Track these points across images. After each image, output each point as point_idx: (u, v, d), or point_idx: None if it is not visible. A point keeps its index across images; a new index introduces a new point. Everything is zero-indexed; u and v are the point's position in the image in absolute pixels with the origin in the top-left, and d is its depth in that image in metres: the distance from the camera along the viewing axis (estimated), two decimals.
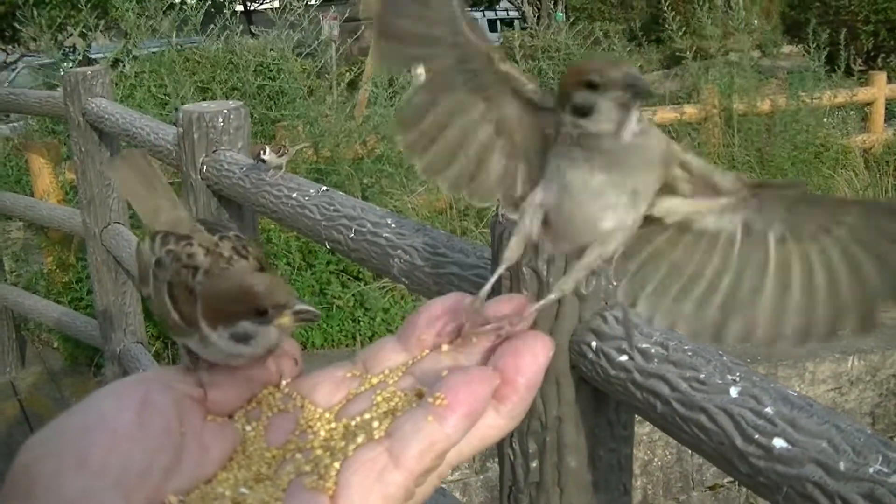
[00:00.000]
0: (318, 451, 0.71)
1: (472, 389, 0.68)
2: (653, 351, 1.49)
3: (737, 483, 6.23)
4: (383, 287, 6.74)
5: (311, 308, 0.76)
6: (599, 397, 1.68)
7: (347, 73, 8.30)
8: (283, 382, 0.79)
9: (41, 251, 7.44)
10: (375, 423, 0.70)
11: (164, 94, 7.54)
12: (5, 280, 6.77)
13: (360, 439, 0.68)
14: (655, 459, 5.83)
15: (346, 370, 0.79)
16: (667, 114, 9.20)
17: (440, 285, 1.93)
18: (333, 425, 0.73)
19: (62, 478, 0.62)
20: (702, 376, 1.41)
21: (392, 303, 6.67)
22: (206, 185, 3.14)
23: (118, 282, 4.95)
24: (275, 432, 0.75)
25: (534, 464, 1.75)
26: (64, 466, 0.63)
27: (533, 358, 0.71)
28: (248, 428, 0.75)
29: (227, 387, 0.76)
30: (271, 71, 8.30)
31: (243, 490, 0.69)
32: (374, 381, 0.76)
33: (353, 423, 0.72)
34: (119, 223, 4.88)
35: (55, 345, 7.09)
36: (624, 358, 1.51)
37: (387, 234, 2.16)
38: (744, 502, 6.29)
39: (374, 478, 0.64)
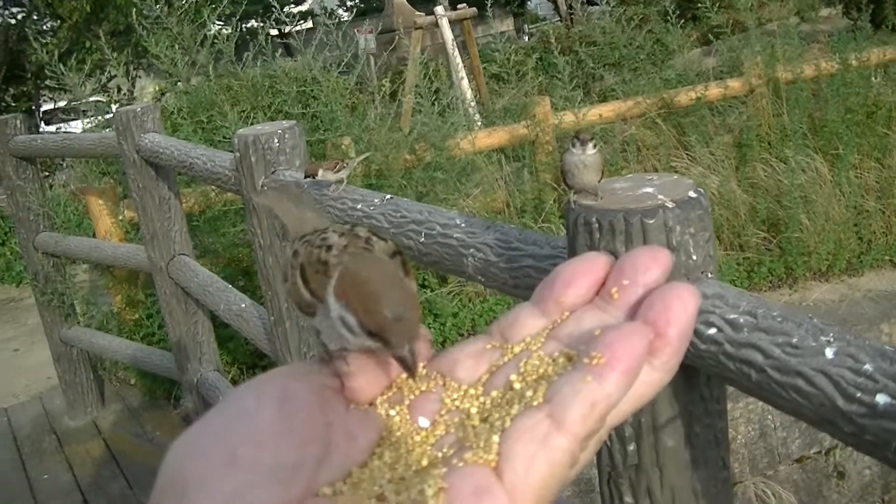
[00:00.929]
0: (472, 427, 0.69)
1: (629, 345, 0.65)
2: (741, 321, 1.48)
3: (823, 453, 6.17)
4: (450, 292, 6.75)
5: (410, 366, 0.73)
6: (690, 373, 1.67)
7: (388, 85, 8.32)
8: (420, 365, 0.77)
9: (108, 291, 7.54)
10: (529, 392, 0.67)
11: (211, 126, 7.62)
12: (78, 323, 6.87)
13: (515, 409, 0.67)
14: (739, 437, 5.78)
15: (483, 342, 0.77)
16: (712, 90, 9.12)
17: (517, 279, 1.94)
18: (483, 399, 0.71)
19: (214, 477, 0.61)
20: (794, 340, 1.40)
21: (460, 307, 6.68)
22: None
23: (188, 312, 4.99)
24: (420, 414, 0.73)
25: (631, 447, 1.75)
26: (214, 465, 0.62)
27: (683, 307, 0.69)
28: (391, 413, 0.73)
29: (364, 374, 0.75)
30: (312, 91, 8.36)
31: (398, 474, 0.67)
32: (517, 349, 0.74)
33: (505, 394, 0.70)
34: (184, 254, 4.92)
35: (132, 381, 7.18)
36: (713, 331, 1.50)
37: (457, 235, 2.16)
38: (832, 472, 6.22)
39: (538, 445, 0.63)
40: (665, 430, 1.72)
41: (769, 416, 5.85)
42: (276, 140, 3.21)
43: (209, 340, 5.13)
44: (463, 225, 2.17)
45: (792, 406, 1.40)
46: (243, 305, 4.07)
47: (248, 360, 6.45)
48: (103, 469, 6.04)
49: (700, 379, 1.71)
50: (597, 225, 1.62)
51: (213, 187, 6.05)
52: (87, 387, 6.82)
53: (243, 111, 8.00)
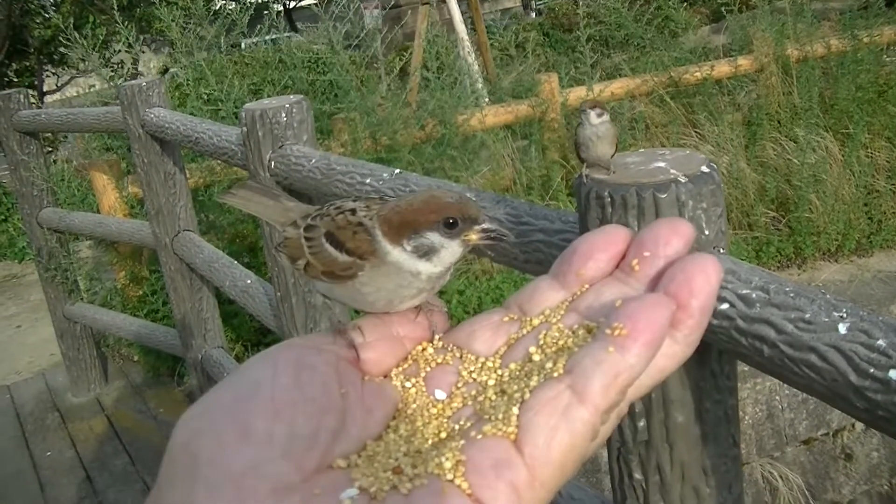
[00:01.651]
0: (490, 399, 0.69)
1: (652, 315, 0.65)
2: (754, 296, 1.48)
3: (831, 434, 6.17)
4: (456, 269, 6.75)
5: (499, 228, 0.76)
6: (701, 349, 1.66)
7: (397, 61, 8.30)
8: (436, 337, 0.77)
9: (112, 267, 7.55)
10: (549, 364, 0.67)
11: (218, 100, 7.61)
12: (81, 299, 6.88)
13: (534, 381, 0.66)
14: (746, 418, 5.79)
15: (501, 315, 0.76)
16: (722, 68, 9.10)
17: (527, 254, 1.94)
18: (501, 371, 0.71)
19: (226, 451, 0.60)
20: (807, 316, 1.40)
21: (467, 284, 6.68)
22: (276, 182, 3.17)
23: (193, 288, 5.01)
24: (437, 386, 0.73)
25: (641, 423, 1.75)
26: (226, 439, 0.61)
27: (705, 278, 0.68)
28: (407, 385, 0.73)
29: (379, 345, 0.75)
30: (320, 66, 8.34)
31: (414, 447, 0.67)
32: (536, 322, 0.74)
33: (523, 366, 0.70)
34: (189, 230, 4.93)
35: (136, 358, 7.21)
36: (725, 306, 1.50)
37: None
38: (839, 454, 6.23)
39: (559, 416, 0.62)
40: (675, 405, 1.72)
41: (777, 397, 5.86)
42: (283, 114, 3.21)
43: (214, 317, 5.15)
44: (473, 197, 2.17)
45: (804, 382, 1.40)
46: (248, 281, 4.08)
47: (253, 337, 6.46)
48: (106, 446, 6.07)
49: (711, 354, 1.71)
50: (609, 199, 1.62)
51: (219, 162, 6.04)
52: (90, 363, 6.85)
53: (252, 85, 7.99)
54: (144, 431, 6.15)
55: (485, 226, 0.76)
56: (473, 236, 0.76)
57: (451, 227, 0.76)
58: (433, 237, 0.76)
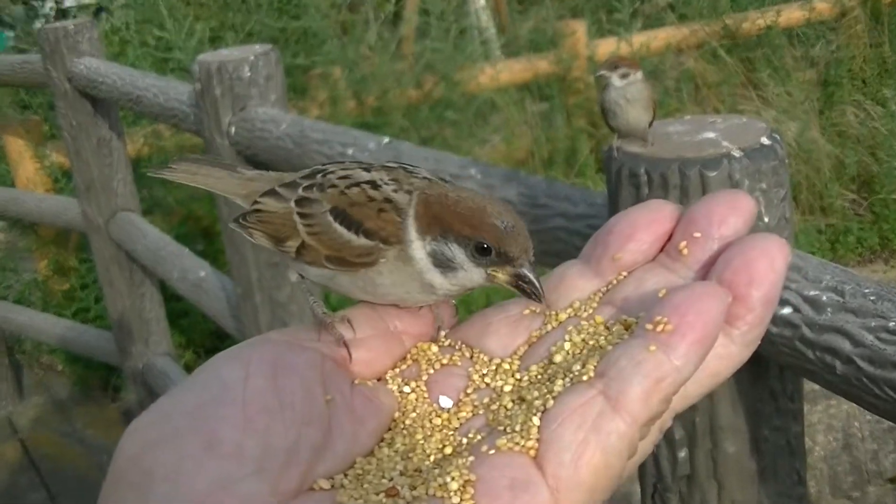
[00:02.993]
0: (506, 407, 0.69)
1: (703, 308, 0.64)
2: (824, 298, 1.49)
3: None
4: None
5: (537, 283, 0.75)
6: (758, 363, 1.68)
7: (387, 3, 8.29)
8: (442, 333, 0.78)
9: (32, 255, 7.51)
10: (577, 366, 0.67)
11: (166, 48, 7.59)
12: None
13: (558, 386, 0.66)
14: (817, 448, 5.77)
15: (521, 307, 0.77)
16: (791, 13, 9.03)
17: (545, 243, 1.95)
18: (519, 375, 0.71)
19: (188, 466, 0.60)
20: (892, 325, 1.40)
21: None
22: (237, 151, 3.18)
23: (134, 282, 5.00)
24: (441, 392, 0.73)
25: (682, 453, 1.76)
26: (188, 452, 0.60)
27: (769, 264, 0.67)
28: (406, 390, 0.74)
29: (373, 342, 0.75)
30: (292, 8, 8.32)
31: (412, 465, 0.67)
32: (563, 316, 0.75)
33: (546, 368, 0.70)
34: (128, 210, 4.92)
35: (60, 368, 7.18)
36: (788, 310, 1.51)
37: (472, 187, 2.17)
38: None
39: (590, 429, 0.61)
40: (725, 433, 1.73)
41: (856, 423, 5.84)
42: (246, 69, 3.21)
43: (159, 317, 5.15)
44: (479, 175, 2.18)
45: (888, 407, 1.40)
46: (202, 274, 4.08)
47: (207, 342, 6.45)
48: (19, 477, 6.05)
49: (770, 370, 1.72)
50: (645, 178, 1.63)
51: (167, 126, 6.04)
52: (0, 375, 6.83)
53: (211, 30, 7.95)
54: (69, 458, 6.13)
55: (520, 271, 0.76)
56: (501, 276, 0.77)
57: (481, 252, 0.76)
58: (457, 252, 0.77)
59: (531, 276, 0.76)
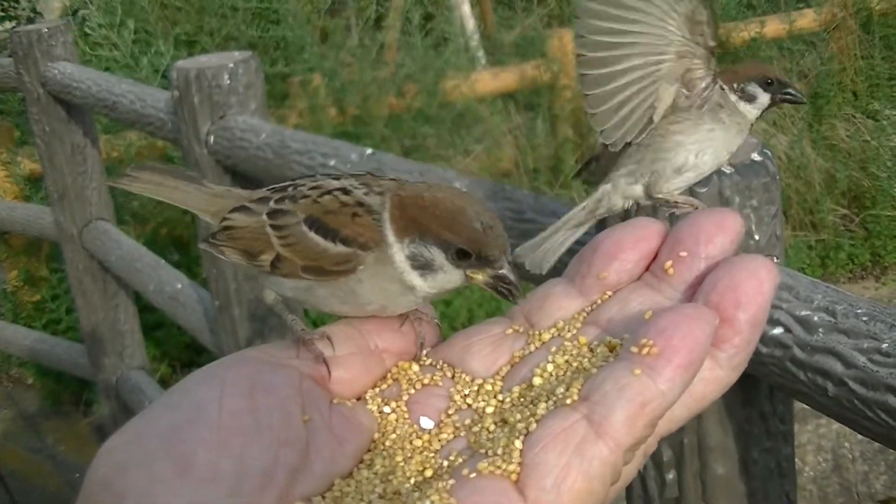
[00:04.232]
0: (488, 429, 0.69)
1: (689, 331, 0.64)
2: (815, 319, 1.49)
3: None
4: None
5: (514, 281, 0.78)
6: (748, 384, 1.68)
7: (369, 9, 8.28)
8: (423, 352, 0.79)
9: (1, 265, 7.49)
10: (561, 389, 0.68)
11: (140, 53, 7.56)
12: None
13: (541, 408, 0.67)
14: (806, 469, 5.78)
15: (503, 327, 0.78)
16: (775, 24, 8.89)
17: None
18: (502, 396, 0.72)
19: (161, 489, 0.60)
20: (885, 346, 1.40)
21: (455, 294, 6.68)
22: (216, 161, 3.18)
23: (107, 293, 4.99)
24: (422, 413, 0.74)
25: (670, 475, 1.76)
26: (161, 475, 0.61)
27: (756, 286, 0.68)
28: (386, 410, 0.74)
29: (353, 361, 0.76)
30: (270, 13, 8.30)
31: (392, 487, 0.68)
32: (546, 336, 0.75)
33: (529, 390, 0.71)
34: (103, 219, 4.91)
35: (29, 381, 7.15)
36: (779, 330, 1.52)
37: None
38: None
39: (572, 453, 0.62)
40: (714, 454, 1.73)
41: (846, 444, 5.86)
42: (225, 76, 3.21)
43: (133, 329, 5.14)
44: (464, 189, 2.18)
45: (880, 430, 1.40)
46: (179, 286, 4.08)
47: (183, 356, 6.43)
48: None
49: (760, 391, 1.72)
50: None
51: (143, 134, 6.02)
52: None
53: (186, 34, 7.92)
54: (38, 476, 6.11)
55: (499, 273, 0.78)
56: (480, 277, 0.79)
57: (462, 256, 0.78)
58: (437, 255, 0.78)
59: (510, 276, 0.78)
